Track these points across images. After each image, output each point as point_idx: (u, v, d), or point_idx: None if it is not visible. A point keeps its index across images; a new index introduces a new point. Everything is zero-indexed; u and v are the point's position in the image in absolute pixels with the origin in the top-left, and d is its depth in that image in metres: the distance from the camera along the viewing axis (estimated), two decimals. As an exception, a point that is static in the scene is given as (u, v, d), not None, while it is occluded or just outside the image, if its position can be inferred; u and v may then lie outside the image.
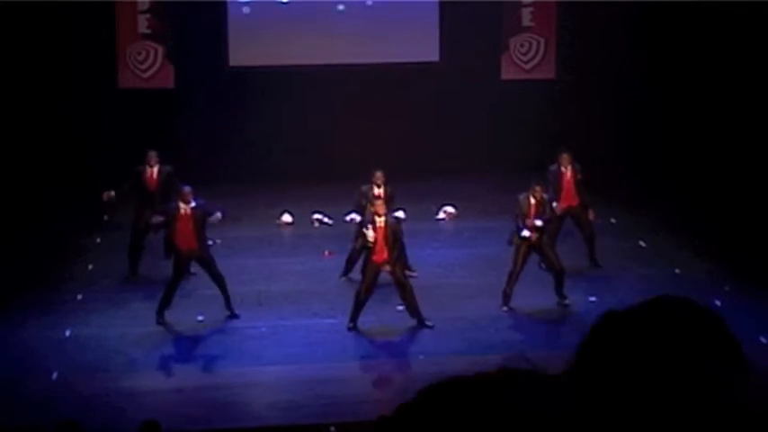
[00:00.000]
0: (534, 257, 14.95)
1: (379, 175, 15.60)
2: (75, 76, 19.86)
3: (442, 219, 18.74)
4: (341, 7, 20.69)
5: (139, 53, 20.42)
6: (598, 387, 1.95)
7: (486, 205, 19.01)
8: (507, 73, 21.24)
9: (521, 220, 14.70)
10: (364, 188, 15.60)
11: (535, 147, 19.97)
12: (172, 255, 14.65)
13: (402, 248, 15.48)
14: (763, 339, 13.80)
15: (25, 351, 13.60)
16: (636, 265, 16.51)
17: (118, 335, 14.06)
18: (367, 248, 14.17)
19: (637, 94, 20.69)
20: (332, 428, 10.53)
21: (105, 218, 18.63)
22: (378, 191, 15.52)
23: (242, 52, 20.58)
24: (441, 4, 20.85)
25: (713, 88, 19.76)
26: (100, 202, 16.30)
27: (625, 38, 20.42)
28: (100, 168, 19.45)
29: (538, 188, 14.75)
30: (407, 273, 15.01)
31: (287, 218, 18.55)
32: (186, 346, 13.92)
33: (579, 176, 16.06)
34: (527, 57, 21.25)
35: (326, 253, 17.01)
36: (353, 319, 14.17)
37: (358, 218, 17.88)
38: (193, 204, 14.43)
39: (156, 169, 15.95)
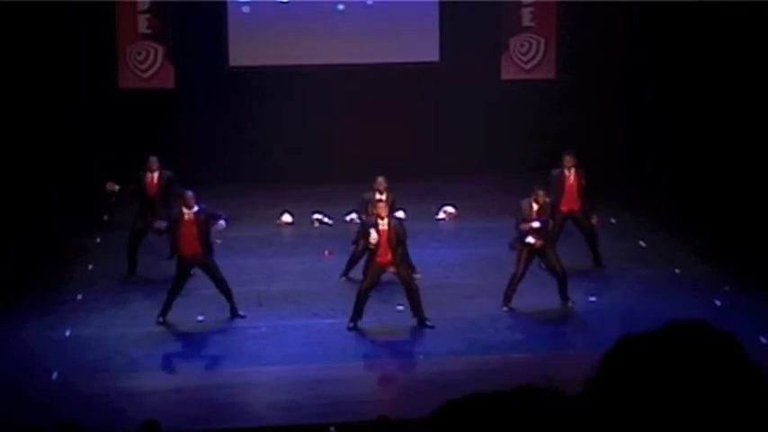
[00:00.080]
0: (536, 259, 14.94)
1: (380, 180, 15.58)
2: (75, 76, 19.86)
3: (442, 219, 18.74)
4: (341, 7, 20.69)
5: (139, 53, 20.42)
6: (616, 409, 1.94)
7: (486, 205, 19.01)
8: (507, 73, 21.24)
9: (525, 227, 14.64)
10: (366, 195, 15.54)
11: (535, 147, 20.00)
12: (175, 258, 14.62)
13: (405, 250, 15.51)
14: (763, 339, 13.79)
15: (25, 351, 13.59)
16: (636, 265, 16.51)
17: (118, 335, 14.06)
18: (370, 251, 14.16)
19: (637, 94, 20.70)
20: (331, 428, 10.53)
21: (105, 218, 18.64)
22: (380, 197, 15.50)
23: (242, 52, 20.58)
24: (441, 4, 20.84)
25: (713, 88, 19.76)
26: (102, 192, 16.26)
27: (625, 38, 20.43)
28: (100, 168, 19.45)
29: (541, 192, 14.70)
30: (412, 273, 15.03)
31: (287, 218, 18.55)
32: (186, 346, 13.92)
33: (583, 182, 16.03)
34: (527, 57, 21.25)
35: (326, 253, 17.01)
36: (354, 318, 14.17)
37: (358, 218, 17.92)
38: (196, 209, 14.42)
39: (156, 174, 15.94)
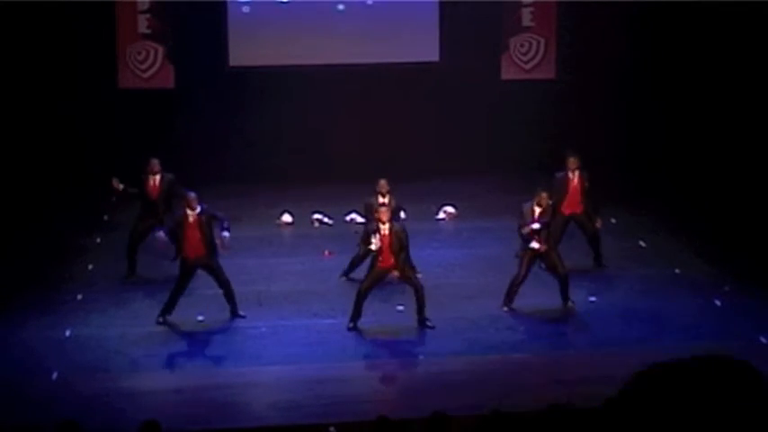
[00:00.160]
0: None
1: (383, 183, 15.57)
2: (75, 76, 19.87)
3: (442, 219, 18.74)
4: (341, 7, 20.69)
5: (139, 53, 20.42)
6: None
7: (486, 205, 19.01)
8: (507, 73, 21.24)
9: (526, 230, 14.62)
10: (370, 200, 15.51)
11: (535, 147, 20.01)
12: (179, 259, 14.62)
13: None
14: (763, 339, 13.79)
15: (25, 351, 13.59)
16: (636, 265, 16.51)
17: (118, 335, 14.06)
18: (373, 255, 14.16)
19: (637, 94, 20.70)
20: (331, 429, 10.52)
21: (105, 218, 18.64)
22: (382, 200, 15.49)
23: (242, 52, 20.58)
24: (441, 4, 20.84)
25: (713, 88, 19.77)
26: (105, 188, 16.24)
27: (625, 38, 20.43)
28: (100, 168, 19.47)
29: (544, 195, 14.66)
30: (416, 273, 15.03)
31: (287, 218, 18.55)
32: (186, 346, 13.92)
33: (586, 184, 16.02)
34: (527, 57, 21.25)
35: (326, 253, 17.01)
36: (353, 319, 14.17)
37: (358, 218, 17.93)
38: (199, 209, 14.41)
39: (158, 177, 15.93)
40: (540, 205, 14.60)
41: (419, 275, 15.26)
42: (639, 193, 19.53)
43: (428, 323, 14.21)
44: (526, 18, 21.17)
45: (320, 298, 15.21)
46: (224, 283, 14.48)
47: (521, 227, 14.65)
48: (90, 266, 16.51)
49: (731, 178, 18.95)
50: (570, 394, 11.88)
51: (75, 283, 15.82)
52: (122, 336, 14.04)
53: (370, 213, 15.20)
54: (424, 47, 20.90)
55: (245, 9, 20.53)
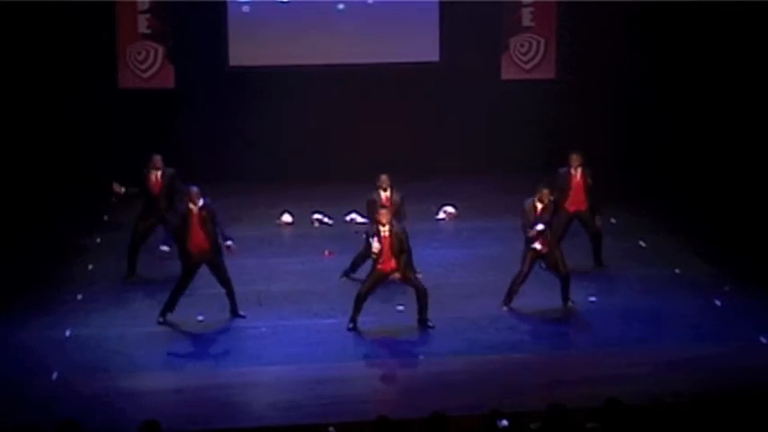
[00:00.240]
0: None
1: (384, 178, 15.56)
2: (75, 76, 19.87)
3: (442, 219, 18.74)
4: (341, 6, 20.68)
5: (139, 53, 20.42)
6: None
7: (487, 205, 19.02)
8: (507, 73, 21.24)
9: (528, 229, 14.62)
10: (372, 196, 15.51)
11: (535, 147, 20.02)
12: (180, 254, 14.61)
13: (409, 253, 15.47)
14: (763, 339, 13.79)
15: (25, 351, 13.59)
16: (636, 265, 16.52)
17: (118, 335, 14.06)
18: (373, 258, 14.14)
19: (637, 94, 20.70)
20: (331, 429, 10.52)
21: (105, 218, 18.64)
22: (384, 194, 15.48)
23: (242, 52, 20.58)
24: (441, 4, 20.84)
25: (713, 88, 19.77)
26: (106, 191, 16.24)
27: (625, 38, 20.43)
28: (100, 168, 19.46)
29: (545, 191, 14.64)
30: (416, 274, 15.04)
31: (287, 218, 18.56)
32: (186, 346, 13.91)
33: (590, 182, 16.01)
34: (527, 57, 21.26)
35: (326, 253, 17.01)
36: (353, 319, 14.17)
37: (358, 218, 17.93)
38: (201, 203, 14.41)
39: (159, 173, 15.92)
40: (541, 201, 14.60)
41: (419, 275, 15.28)
42: (639, 193, 19.53)
43: (428, 323, 14.20)
44: (526, 18, 21.17)
45: (320, 298, 15.21)
46: (225, 282, 14.48)
47: (524, 225, 14.65)
48: (90, 266, 16.51)
49: (731, 178, 18.95)
50: (570, 394, 11.91)
51: (75, 283, 15.82)
52: (122, 336, 14.04)
53: (372, 210, 15.19)
54: (424, 47, 20.89)
55: (246, 9, 20.53)
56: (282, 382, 12.90)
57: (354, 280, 15.28)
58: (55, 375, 12.86)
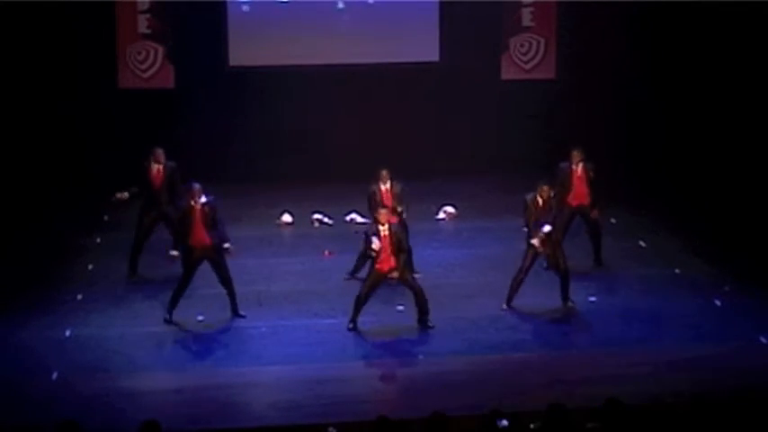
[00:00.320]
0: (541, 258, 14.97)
1: (384, 173, 15.58)
2: (75, 76, 19.86)
3: (442, 219, 18.75)
4: (340, 5, 20.68)
5: (139, 53, 20.42)
6: None
7: (487, 205, 19.03)
8: (507, 73, 21.24)
9: (531, 226, 14.63)
10: (372, 188, 15.54)
11: (535, 147, 20.00)
12: (182, 250, 14.61)
13: (409, 253, 15.49)
14: (763, 339, 13.79)
15: (25, 351, 13.59)
16: (636, 265, 16.52)
17: (118, 335, 14.06)
18: (370, 256, 14.14)
19: (637, 94, 20.69)
20: (331, 429, 10.52)
21: (105, 218, 18.64)
22: (384, 187, 15.50)
23: (242, 52, 20.58)
24: (441, 4, 20.84)
25: (713, 88, 19.76)
26: (108, 201, 16.25)
27: (625, 38, 20.42)
28: (100, 168, 19.48)
29: (545, 187, 14.67)
30: (413, 274, 15.05)
31: (287, 218, 18.56)
32: (186, 346, 13.92)
33: (591, 175, 16.02)
34: (527, 57, 21.25)
35: (326, 253, 17.02)
36: (353, 319, 14.17)
37: (358, 218, 17.94)
38: (204, 200, 14.41)
39: (162, 166, 15.91)
40: (541, 197, 14.61)
41: (418, 275, 15.30)
42: (639, 193, 19.53)
43: (428, 323, 14.20)
44: (526, 18, 21.17)
45: (320, 298, 15.21)
46: (226, 281, 14.48)
47: (527, 221, 14.66)
48: (90, 266, 16.51)
49: (731, 178, 18.95)
50: (570, 394, 11.91)
51: (75, 283, 15.82)
52: (122, 336, 14.04)
53: (372, 202, 15.21)
54: (424, 47, 20.89)
55: (245, 8, 20.53)
56: (282, 382, 12.90)
57: (358, 279, 15.28)
58: (55, 375, 12.86)
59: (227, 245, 14.49)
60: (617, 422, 9.53)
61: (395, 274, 14.14)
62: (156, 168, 15.90)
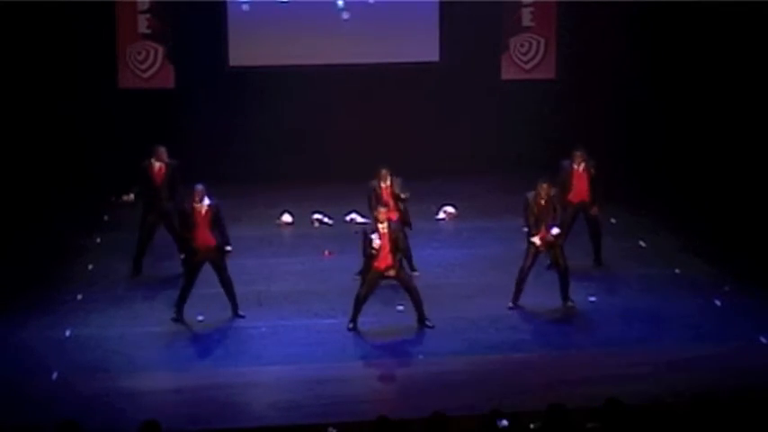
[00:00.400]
0: (542, 257, 14.97)
1: (384, 172, 15.57)
2: (75, 76, 19.87)
3: (442, 219, 18.75)
4: (340, 3, 20.68)
5: (139, 53, 20.43)
6: None
7: (487, 205, 19.03)
8: (507, 73, 21.24)
9: (531, 224, 14.64)
10: (371, 183, 15.54)
11: (535, 147, 20.01)
12: (185, 252, 14.61)
13: (408, 250, 15.50)
14: (763, 339, 13.79)
15: (25, 351, 13.59)
16: (636, 265, 16.52)
17: (118, 335, 14.06)
18: (370, 255, 14.14)
19: (637, 94, 20.69)
20: (331, 429, 10.52)
21: (105, 218, 18.64)
22: (384, 185, 15.50)
23: (242, 52, 20.58)
24: (441, 4, 20.85)
25: (713, 88, 19.76)
26: (114, 201, 16.23)
27: (625, 38, 20.42)
28: (100, 168, 19.49)
29: (545, 185, 14.68)
30: (410, 273, 15.05)
31: (287, 218, 18.56)
32: (186, 346, 13.91)
33: (593, 171, 16.02)
34: (527, 57, 21.26)
35: (326, 253, 17.02)
36: (353, 319, 14.17)
37: (358, 218, 17.94)
38: (207, 202, 14.40)
39: (164, 165, 15.91)
40: (541, 194, 14.62)
41: (417, 274, 15.31)
42: (639, 193, 19.53)
43: (428, 323, 14.21)
44: (526, 18, 21.18)
45: (320, 298, 15.21)
46: (226, 282, 14.48)
47: (527, 219, 14.67)
48: (90, 266, 16.51)
49: (731, 178, 18.95)
50: (570, 394, 11.91)
51: (75, 283, 15.82)
52: (122, 336, 14.04)
53: (372, 200, 15.21)
54: (424, 47, 20.90)
55: (245, 7, 20.53)
56: (282, 382, 12.90)
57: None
58: (55, 375, 12.86)
59: (228, 248, 14.50)
60: (617, 422, 9.53)
61: (392, 273, 14.14)
62: (158, 166, 15.90)
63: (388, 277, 14.19)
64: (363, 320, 14.23)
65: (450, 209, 18.85)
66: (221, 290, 14.53)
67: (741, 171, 18.92)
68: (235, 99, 20.56)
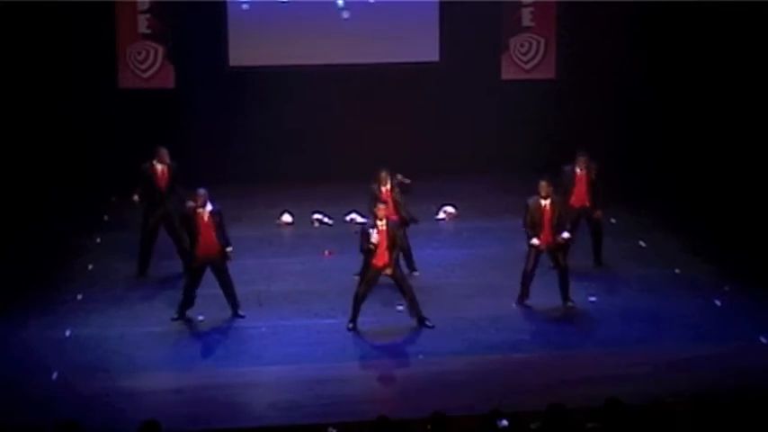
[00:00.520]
0: (545, 258, 14.98)
1: (383, 175, 15.58)
2: (75, 76, 19.86)
3: (442, 219, 18.75)
4: (340, 3, 20.67)
5: (139, 53, 20.42)
6: None
7: (487, 205, 19.03)
8: (507, 73, 21.23)
9: (530, 227, 14.66)
10: (371, 187, 15.55)
11: (535, 147, 20.00)
12: (186, 255, 14.61)
13: (408, 250, 15.51)
14: (763, 339, 13.80)
15: (25, 351, 13.59)
16: (636, 265, 16.52)
17: (118, 335, 14.06)
18: (369, 252, 14.14)
19: (637, 94, 20.69)
20: (331, 429, 10.53)
21: (105, 218, 18.64)
22: (384, 188, 15.50)
23: (242, 52, 20.57)
24: (441, 4, 20.83)
25: (713, 88, 19.76)
26: (121, 201, 16.21)
27: (625, 38, 20.42)
28: (100, 168, 19.49)
29: (543, 183, 14.69)
30: (407, 273, 15.05)
31: (287, 218, 18.56)
32: (186, 346, 13.92)
33: (593, 176, 16.03)
34: (527, 57, 21.25)
35: (326, 253, 17.02)
36: (353, 319, 14.18)
37: (358, 218, 17.94)
38: (210, 207, 14.38)
39: (166, 167, 15.90)
40: (542, 196, 14.63)
41: (416, 274, 15.32)
42: (639, 193, 19.53)
43: (428, 323, 14.21)
44: (526, 18, 21.17)
45: (320, 298, 15.21)
46: (226, 285, 14.48)
47: (525, 222, 14.70)
48: (90, 266, 16.52)
49: (731, 178, 18.95)
50: (570, 394, 11.91)
51: (75, 283, 15.82)
52: (122, 336, 14.04)
53: (372, 201, 15.22)
54: (424, 47, 20.89)
55: (245, 7, 20.52)
56: (282, 382, 12.90)
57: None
58: (55, 375, 12.87)
59: (229, 248, 14.50)
60: (617, 422, 9.53)
61: (388, 271, 14.15)
62: (161, 169, 15.88)
63: (385, 275, 14.20)
64: (363, 320, 14.23)
65: (450, 209, 18.85)
66: (221, 291, 14.54)
67: (741, 171, 18.93)
68: (235, 99, 20.55)
